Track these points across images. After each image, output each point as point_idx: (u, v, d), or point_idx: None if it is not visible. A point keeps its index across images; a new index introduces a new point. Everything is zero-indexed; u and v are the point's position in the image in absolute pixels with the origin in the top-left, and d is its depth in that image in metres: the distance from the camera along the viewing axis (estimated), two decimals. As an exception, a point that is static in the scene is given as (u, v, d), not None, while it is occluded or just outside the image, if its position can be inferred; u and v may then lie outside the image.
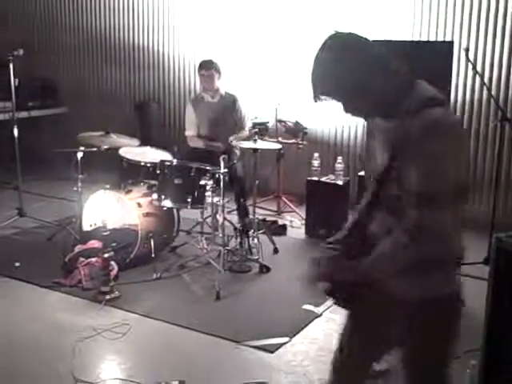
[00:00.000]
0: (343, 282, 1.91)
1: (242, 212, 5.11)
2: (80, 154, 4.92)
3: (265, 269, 4.66)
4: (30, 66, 6.98)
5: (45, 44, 8.01)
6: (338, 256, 1.97)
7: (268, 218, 5.79)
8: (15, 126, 5.51)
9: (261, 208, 6.00)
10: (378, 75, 1.80)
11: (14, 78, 5.47)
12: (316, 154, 5.70)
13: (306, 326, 3.84)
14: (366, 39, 1.86)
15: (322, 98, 1.85)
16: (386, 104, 1.84)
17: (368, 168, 2.02)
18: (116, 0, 7.50)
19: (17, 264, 4.58)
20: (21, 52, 5.44)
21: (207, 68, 5.35)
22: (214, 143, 5.36)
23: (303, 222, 5.71)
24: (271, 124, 6.23)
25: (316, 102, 1.86)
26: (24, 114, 6.79)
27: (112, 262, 4.22)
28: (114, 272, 4.25)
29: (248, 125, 5.63)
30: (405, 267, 1.82)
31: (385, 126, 1.90)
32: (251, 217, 5.00)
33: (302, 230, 5.61)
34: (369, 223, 1.97)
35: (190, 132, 5.55)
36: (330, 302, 4.00)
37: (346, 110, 1.87)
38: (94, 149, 4.98)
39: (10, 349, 3.52)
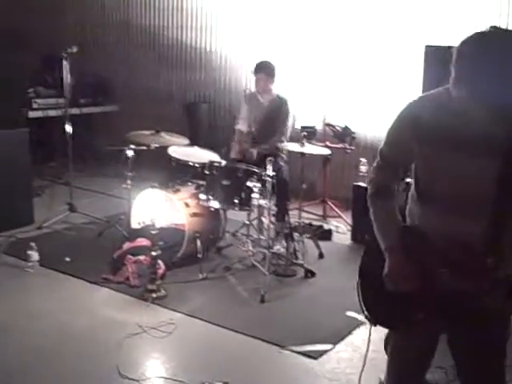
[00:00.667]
0: None
1: (280, 215, 5.10)
2: (130, 152, 5.00)
3: (310, 274, 4.65)
4: (82, 63, 7.11)
5: (98, 41, 8.15)
6: None
7: (313, 223, 5.78)
8: (68, 123, 5.63)
9: (306, 212, 5.98)
10: None
11: (68, 75, 5.59)
12: (364, 160, 5.67)
13: (350, 333, 3.82)
14: None
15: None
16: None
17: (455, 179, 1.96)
18: (170, 0, 7.60)
19: (67, 259, 4.70)
20: (75, 49, 5.54)
21: (259, 72, 5.36)
22: (250, 150, 5.35)
23: (349, 227, 5.68)
24: (319, 128, 6.21)
25: None
26: (76, 111, 6.93)
27: (159, 261, 4.26)
28: (161, 271, 4.29)
29: (288, 133, 5.42)
30: None
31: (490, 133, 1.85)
32: (293, 221, 4.99)
33: (348, 235, 5.58)
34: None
35: (240, 126, 5.57)
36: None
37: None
38: (144, 147, 5.06)
39: (58, 342, 3.60)
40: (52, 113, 7.01)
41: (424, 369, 2.28)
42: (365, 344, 3.28)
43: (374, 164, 2.21)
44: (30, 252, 4.54)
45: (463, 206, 1.94)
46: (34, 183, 5.89)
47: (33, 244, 4.58)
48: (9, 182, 5.24)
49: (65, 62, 5.52)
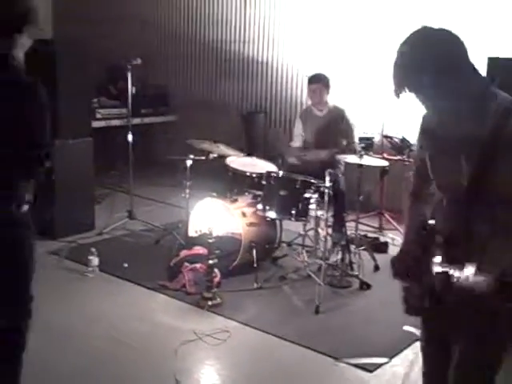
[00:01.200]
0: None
1: (337, 226, 5.08)
2: (189, 162, 5.08)
3: (365, 286, 4.62)
4: (144, 74, 7.28)
5: (159, 52, 8.33)
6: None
7: (369, 235, 5.73)
8: (130, 132, 5.76)
9: (362, 224, 5.94)
10: (460, 70, 1.93)
11: (132, 85, 5.74)
12: (422, 172, 5.58)
13: (406, 347, 3.77)
14: (454, 35, 1.99)
15: (403, 91, 1.95)
16: (469, 100, 1.92)
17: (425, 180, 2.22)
18: (228, 13, 7.70)
19: (125, 265, 4.79)
20: (139, 61, 5.69)
21: (315, 82, 5.35)
22: (313, 154, 5.36)
23: (405, 240, 5.60)
24: (377, 139, 6.16)
25: (397, 97, 1.97)
26: (137, 121, 7.08)
27: (215, 269, 4.31)
28: (217, 279, 4.34)
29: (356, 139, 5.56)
30: None
31: (462, 130, 1.95)
32: (349, 233, 4.97)
33: (405, 248, 5.50)
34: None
35: (295, 143, 5.59)
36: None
37: (423, 102, 1.98)
38: (203, 157, 5.14)
39: (115, 347, 3.67)
40: (114, 122, 7.18)
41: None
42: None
43: None
44: (90, 257, 4.66)
45: (447, 201, 2.10)
46: (95, 191, 6.05)
47: (93, 249, 4.70)
48: (72, 189, 5.40)
49: (129, 74, 5.68)
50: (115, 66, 7.40)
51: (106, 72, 7.98)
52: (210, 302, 4.15)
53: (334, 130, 5.37)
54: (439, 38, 1.96)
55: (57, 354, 3.48)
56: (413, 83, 1.92)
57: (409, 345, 3.77)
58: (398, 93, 1.96)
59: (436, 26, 1.98)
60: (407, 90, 1.93)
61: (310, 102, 5.62)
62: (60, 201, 5.34)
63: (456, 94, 1.91)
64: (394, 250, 5.51)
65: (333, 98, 5.50)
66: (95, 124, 7.06)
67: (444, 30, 1.98)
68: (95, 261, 4.66)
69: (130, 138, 5.76)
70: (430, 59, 1.89)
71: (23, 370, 3.05)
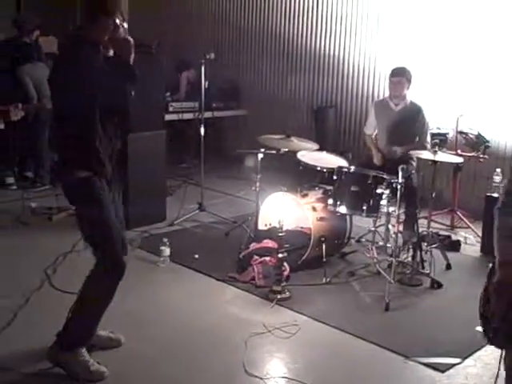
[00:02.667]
0: None
1: (409, 223, 5.00)
2: (260, 156, 5.11)
3: (436, 284, 4.53)
4: (216, 68, 7.35)
5: (230, 47, 8.40)
6: None
7: (441, 233, 5.61)
8: (202, 126, 5.84)
9: (434, 221, 5.82)
10: None
11: (205, 80, 5.81)
12: (498, 170, 5.44)
13: (479, 349, 3.67)
14: None
15: None
16: None
17: None
18: (300, 6, 7.67)
19: (196, 256, 4.87)
20: (212, 56, 5.76)
21: (397, 75, 5.28)
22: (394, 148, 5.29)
23: (478, 239, 5.47)
24: (451, 135, 6.02)
25: None
26: (208, 114, 7.16)
27: (284, 263, 4.32)
28: (286, 273, 4.35)
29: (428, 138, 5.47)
30: None
31: None
32: (421, 230, 4.87)
33: (477, 247, 5.38)
34: None
35: (368, 131, 5.57)
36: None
37: None
38: (273, 151, 5.15)
39: (185, 336, 3.72)
40: (186, 116, 7.29)
41: None
42: (496, 362, 3.14)
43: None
44: (162, 247, 4.74)
45: None
46: (167, 183, 6.16)
47: (165, 240, 4.78)
48: (145, 181, 5.51)
49: (202, 68, 5.74)
50: (186, 60, 7.54)
51: (179, 66, 8.09)
52: (278, 296, 4.16)
53: (407, 126, 5.30)
54: None
55: (126, 340, 3.54)
56: None
57: (482, 346, 3.68)
58: None
59: None
60: None
61: (387, 95, 5.55)
62: (133, 192, 5.44)
63: None
64: (465, 249, 5.40)
65: (409, 93, 5.41)
66: (168, 117, 7.19)
67: None
68: (167, 251, 4.74)
69: (202, 131, 5.84)
70: None
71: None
